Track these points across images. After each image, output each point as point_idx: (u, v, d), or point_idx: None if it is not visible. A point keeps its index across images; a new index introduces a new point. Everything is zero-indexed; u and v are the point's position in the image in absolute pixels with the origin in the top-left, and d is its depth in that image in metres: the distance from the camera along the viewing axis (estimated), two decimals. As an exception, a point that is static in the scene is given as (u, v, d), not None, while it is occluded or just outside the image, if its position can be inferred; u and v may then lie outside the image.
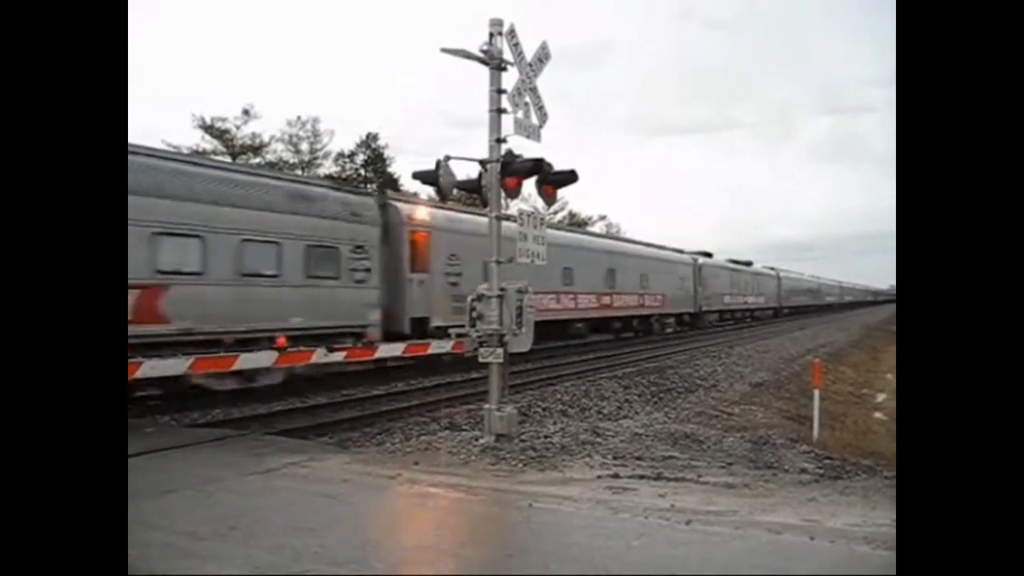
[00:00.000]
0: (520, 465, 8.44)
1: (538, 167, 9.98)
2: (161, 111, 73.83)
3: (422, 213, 20.54)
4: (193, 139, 47.06)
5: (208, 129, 47.88)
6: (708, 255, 46.02)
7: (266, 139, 50.80)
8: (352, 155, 54.56)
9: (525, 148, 10.10)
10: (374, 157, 54.83)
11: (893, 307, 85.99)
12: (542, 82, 10.14)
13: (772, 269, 64.46)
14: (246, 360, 14.29)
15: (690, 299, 40.78)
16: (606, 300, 30.80)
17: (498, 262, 9.75)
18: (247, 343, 14.71)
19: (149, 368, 12.41)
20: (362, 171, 54.19)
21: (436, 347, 18.69)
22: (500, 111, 9.72)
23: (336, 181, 33.69)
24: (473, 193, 11.07)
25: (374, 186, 41.72)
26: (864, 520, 6.05)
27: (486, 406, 9.85)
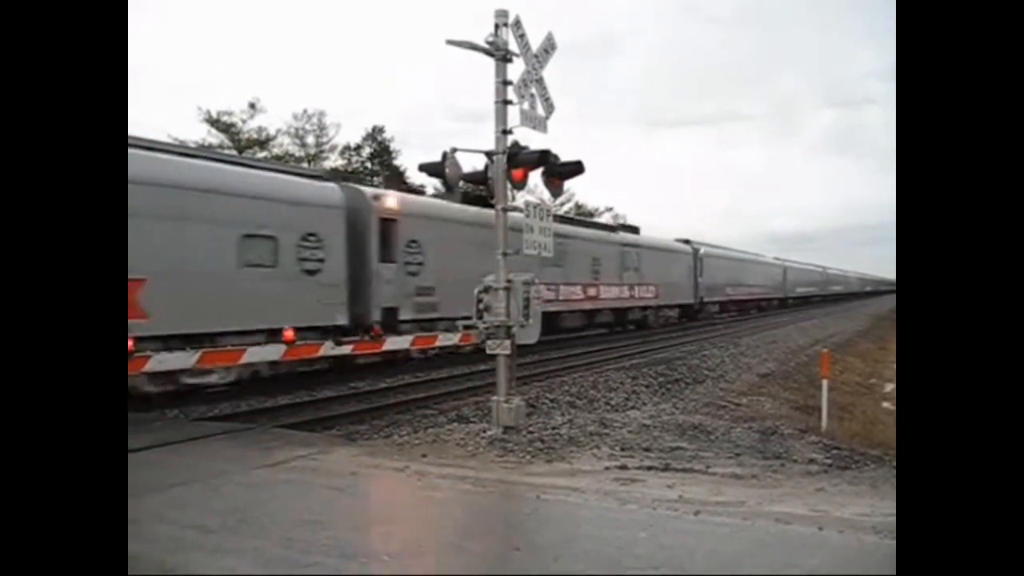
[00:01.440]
0: (528, 457, 8.45)
1: (544, 158, 9.96)
2: (167, 106, 73.78)
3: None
4: (199, 133, 47.16)
5: (214, 123, 47.92)
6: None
7: (272, 132, 50.88)
8: (358, 148, 54.61)
9: (532, 140, 10.09)
10: (380, 150, 54.84)
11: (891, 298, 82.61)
12: (548, 74, 10.12)
13: (687, 242, 41.99)
14: (253, 353, 14.33)
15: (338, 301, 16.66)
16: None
17: (504, 254, 9.74)
18: None
19: (157, 362, 12.47)
20: (368, 164, 54.20)
21: (443, 340, 18.71)
22: (506, 102, 9.70)
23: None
24: (479, 185, 11.07)
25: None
26: (872, 510, 6.04)
27: (493, 398, 9.86)
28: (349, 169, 50.96)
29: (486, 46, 9.56)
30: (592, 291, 28.62)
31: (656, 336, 31.26)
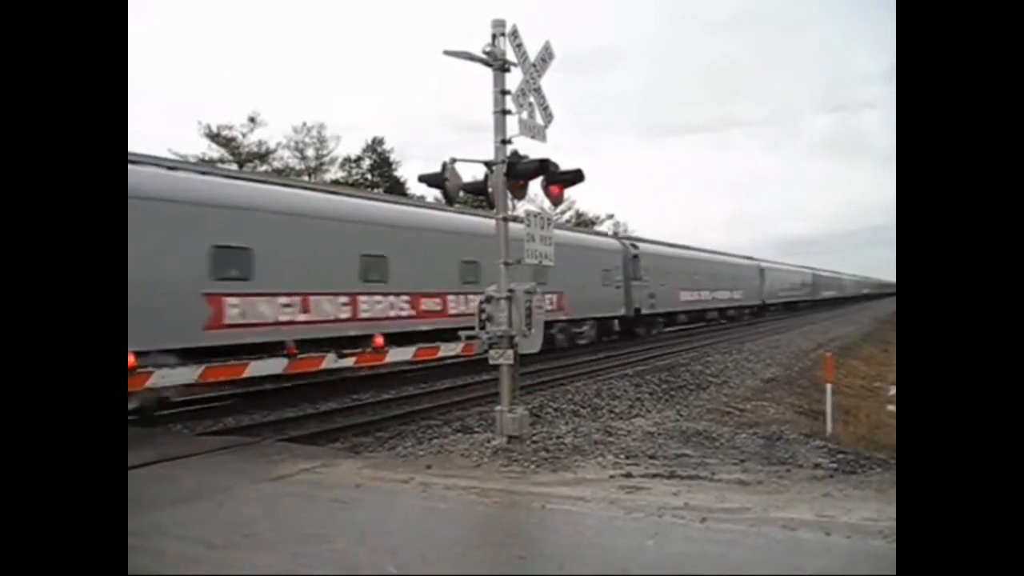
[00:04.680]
0: (532, 466, 8.42)
1: (544, 167, 9.95)
2: (169, 121, 74.12)
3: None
4: (200, 147, 47.27)
5: (214, 137, 48.02)
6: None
7: (272, 146, 50.97)
8: (358, 160, 54.68)
9: (532, 149, 10.09)
10: (380, 162, 54.89)
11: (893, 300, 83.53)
12: (547, 84, 10.13)
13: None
14: (256, 367, 14.33)
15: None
16: None
17: (506, 263, 9.73)
18: None
19: (160, 377, 12.47)
20: (368, 176, 54.26)
21: (445, 350, 18.73)
22: (504, 112, 9.70)
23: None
24: (479, 195, 11.06)
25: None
26: (879, 514, 6.01)
27: (497, 408, 9.83)
28: (349, 181, 51.01)
29: (483, 56, 9.57)
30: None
31: (660, 343, 31.24)
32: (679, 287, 37.41)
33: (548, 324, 18.19)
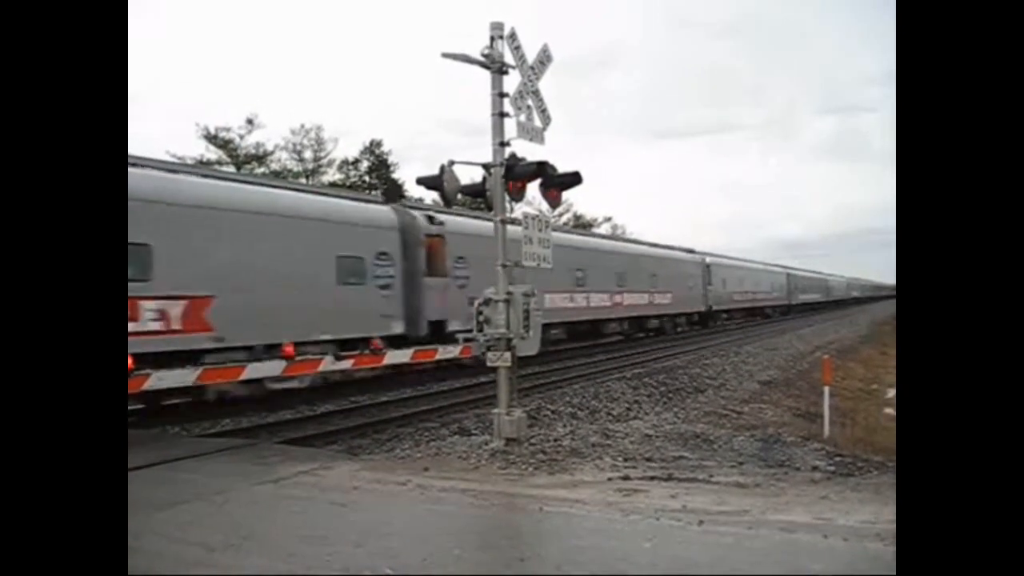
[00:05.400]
0: (530, 469, 8.43)
1: (542, 170, 9.96)
2: (168, 122, 74.23)
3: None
4: (198, 149, 47.31)
5: (212, 139, 48.09)
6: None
7: (270, 148, 51.03)
8: (356, 162, 54.77)
9: (530, 152, 10.10)
10: (378, 164, 54.96)
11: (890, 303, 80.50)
12: (545, 88, 10.13)
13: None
14: (253, 370, 14.32)
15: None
16: None
17: (504, 265, 9.74)
18: None
19: (157, 379, 12.46)
20: (366, 178, 54.29)
21: (443, 353, 18.71)
22: (503, 115, 9.71)
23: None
24: (478, 197, 11.07)
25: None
26: (877, 517, 6.01)
27: (495, 410, 9.83)
28: (347, 183, 51.05)
29: (481, 59, 9.58)
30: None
31: (657, 345, 31.25)
32: (544, 288, 23.15)
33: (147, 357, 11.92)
